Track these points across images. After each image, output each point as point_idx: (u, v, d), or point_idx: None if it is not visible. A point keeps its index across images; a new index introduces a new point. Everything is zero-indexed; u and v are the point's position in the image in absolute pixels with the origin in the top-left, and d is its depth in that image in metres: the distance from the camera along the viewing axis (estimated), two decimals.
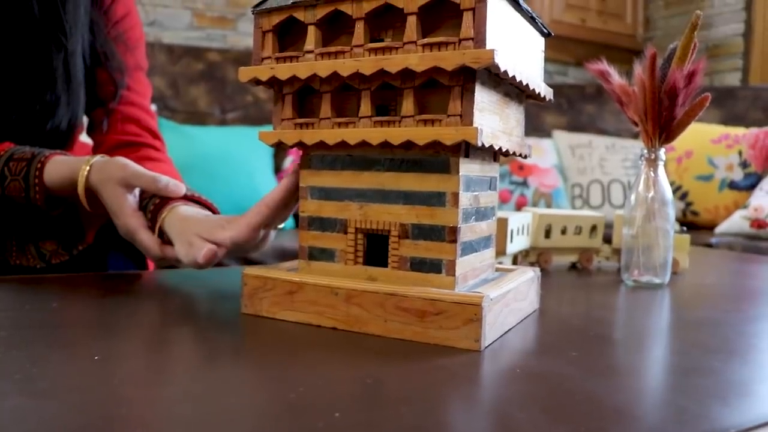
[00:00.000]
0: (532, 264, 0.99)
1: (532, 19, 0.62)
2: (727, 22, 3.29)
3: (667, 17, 3.55)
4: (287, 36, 0.62)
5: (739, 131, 2.66)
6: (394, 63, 0.53)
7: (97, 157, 0.80)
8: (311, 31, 0.58)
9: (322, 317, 0.58)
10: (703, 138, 2.66)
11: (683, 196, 2.63)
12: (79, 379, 0.42)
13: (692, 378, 0.47)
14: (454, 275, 0.55)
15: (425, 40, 0.53)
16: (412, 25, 0.53)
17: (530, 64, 0.63)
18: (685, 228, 1.02)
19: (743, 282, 0.99)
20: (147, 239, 0.76)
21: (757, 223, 2.30)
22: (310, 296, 0.58)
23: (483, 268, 0.62)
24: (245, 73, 0.61)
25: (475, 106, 0.52)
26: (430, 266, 0.55)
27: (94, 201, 0.80)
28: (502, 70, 0.51)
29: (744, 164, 2.59)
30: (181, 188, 0.77)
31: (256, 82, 0.61)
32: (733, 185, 2.58)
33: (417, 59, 0.52)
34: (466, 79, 0.52)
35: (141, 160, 1.02)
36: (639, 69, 0.85)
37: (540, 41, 0.67)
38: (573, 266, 1.03)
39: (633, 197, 0.89)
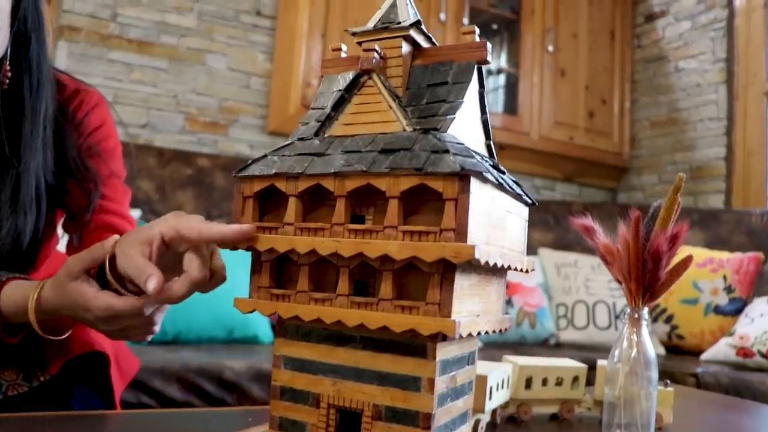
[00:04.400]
0: (510, 416, 0.96)
1: (518, 196, 0.62)
2: (710, 146, 3.38)
3: (652, 137, 3.64)
4: (268, 201, 0.62)
5: (724, 255, 2.68)
6: (373, 248, 0.53)
7: (48, 280, 0.78)
8: (292, 203, 0.58)
9: None
10: None
11: (668, 319, 2.63)
12: None
13: None
14: None
15: (406, 228, 0.53)
16: (394, 209, 0.54)
17: (513, 241, 0.63)
18: (668, 381, 1.01)
19: None
20: (124, 304, 0.72)
21: (743, 352, 2.29)
22: None
23: None
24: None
25: (454, 295, 0.52)
26: None
27: (50, 328, 0.78)
28: (483, 262, 0.51)
29: (729, 289, 2.59)
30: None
31: (234, 247, 0.61)
32: (718, 310, 2.57)
33: (397, 247, 0.52)
34: (446, 267, 0.52)
35: None
36: (623, 228, 0.86)
37: (524, 211, 0.67)
38: (554, 416, 1.01)
39: (616, 353, 0.87)
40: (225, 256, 0.70)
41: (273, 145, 2.74)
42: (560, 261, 2.80)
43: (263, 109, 2.84)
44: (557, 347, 2.57)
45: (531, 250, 2.90)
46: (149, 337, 0.80)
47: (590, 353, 2.27)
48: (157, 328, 0.78)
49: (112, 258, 0.73)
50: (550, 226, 3.02)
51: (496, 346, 2.33)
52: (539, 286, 2.70)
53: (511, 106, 3.43)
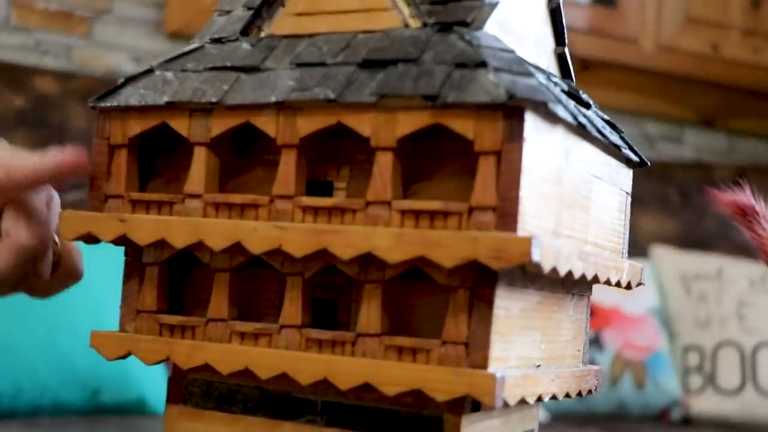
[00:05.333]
0: None
1: (614, 149, 0.62)
2: None
3: None
4: (157, 154, 0.63)
5: None
6: (347, 242, 0.53)
7: None
8: (200, 158, 0.59)
9: None
10: None
11: None
12: None
13: None
14: None
15: (407, 204, 0.53)
16: (386, 170, 0.54)
17: (603, 230, 0.63)
18: None
19: None
20: None
21: None
22: None
23: None
24: (72, 224, 0.61)
25: (493, 327, 0.52)
26: None
27: None
28: (548, 268, 0.51)
29: None
30: None
31: (91, 238, 0.61)
32: None
33: (391, 240, 0.52)
34: (479, 279, 0.52)
35: None
36: None
37: (625, 176, 0.68)
38: None
39: None
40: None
41: None
42: (691, 270, 2.81)
43: None
44: (686, 426, 2.58)
45: (638, 248, 2.90)
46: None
47: None
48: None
49: None
50: (672, 206, 3.03)
51: (573, 421, 2.35)
52: (652, 315, 2.71)
53: None
